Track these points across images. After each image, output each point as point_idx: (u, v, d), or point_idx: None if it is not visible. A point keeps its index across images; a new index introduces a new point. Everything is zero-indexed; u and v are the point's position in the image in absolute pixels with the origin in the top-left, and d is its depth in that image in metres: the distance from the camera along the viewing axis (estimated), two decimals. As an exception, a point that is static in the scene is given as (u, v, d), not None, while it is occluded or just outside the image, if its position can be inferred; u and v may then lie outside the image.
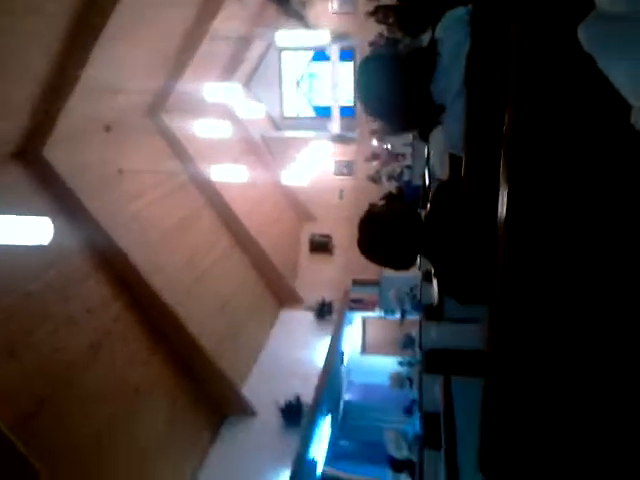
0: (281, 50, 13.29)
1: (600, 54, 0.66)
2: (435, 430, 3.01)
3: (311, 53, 13.38)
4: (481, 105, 1.69)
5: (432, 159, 2.24)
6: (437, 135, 2.00)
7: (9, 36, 4.88)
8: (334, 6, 12.69)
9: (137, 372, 6.82)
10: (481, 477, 1.35)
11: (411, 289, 9.23)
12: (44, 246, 5.19)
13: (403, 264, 1.78)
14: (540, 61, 1.13)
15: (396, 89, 1.74)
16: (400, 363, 10.20)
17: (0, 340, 5.13)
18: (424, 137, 1.86)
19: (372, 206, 1.90)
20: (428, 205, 1.97)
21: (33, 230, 4.80)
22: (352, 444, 10.21)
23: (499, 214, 1.33)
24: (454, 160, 2.03)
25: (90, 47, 5.80)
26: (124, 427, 6.25)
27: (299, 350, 9.97)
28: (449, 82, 1.70)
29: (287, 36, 10.92)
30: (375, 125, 11.02)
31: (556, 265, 1.32)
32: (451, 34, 1.71)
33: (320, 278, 12.04)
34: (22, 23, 4.93)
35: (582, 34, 0.67)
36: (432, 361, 4.20)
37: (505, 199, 1.28)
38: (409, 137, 8.60)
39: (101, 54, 6.02)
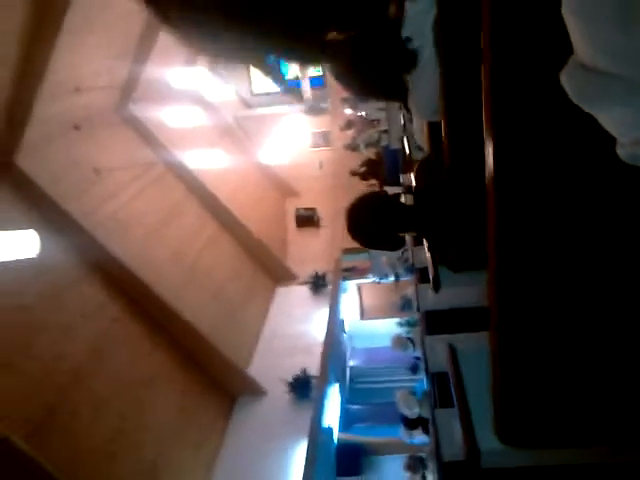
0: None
1: (585, 106, 0.67)
2: (444, 389, 3.08)
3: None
4: (455, 66, 1.69)
5: (416, 133, 2.25)
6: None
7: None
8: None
9: (142, 368, 6.87)
10: (501, 444, 1.41)
11: (402, 253, 9.30)
12: (32, 258, 5.17)
13: (393, 245, 1.82)
14: (515, 13, 1.13)
15: (368, 64, 1.74)
16: (400, 324, 10.33)
17: (1, 356, 5.14)
18: (405, 103, 1.84)
19: (357, 200, 1.91)
20: (412, 178, 1.99)
21: (20, 244, 4.78)
22: (363, 408, 10.40)
23: (487, 168, 1.35)
24: (434, 131, 2.05)
25: (48, 50, 5.67)
26: (137, 424, 6.31)
27: (299, 325, 10.07)
28: (418, 47, 1.70)
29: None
30: (347, 93, 10.93)
31: (549, 210, 1.35)
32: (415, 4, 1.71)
33: (310, 251, 12.08)
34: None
35: (565, 83, 0.67)
36: (432, 323, 4.28)
37: (492, 152, 1.30)
38: (382, 104, 8.55)
39: (60, 54, 5.88)
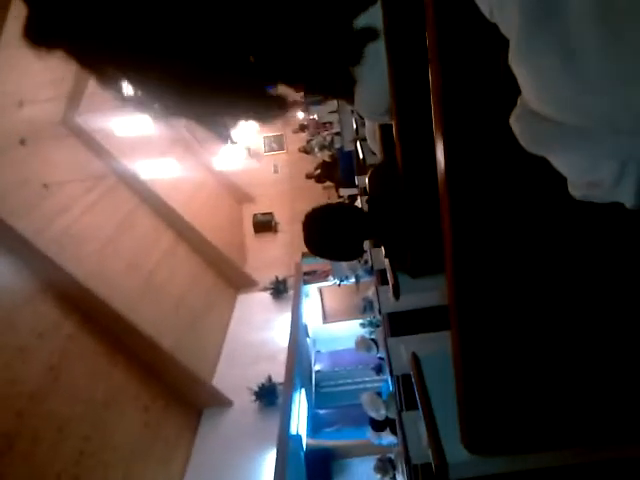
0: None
1: (535, 150, 0.67)
2: (409, 392, 3.09)
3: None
4: (405, 64, 1.68)
5: (368, 137, 2.24)
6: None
7: None
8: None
9: (102, 386, 6.67)
10: (469, 455, 1.41)
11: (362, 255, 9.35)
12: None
13: (353, 255, 1.81)
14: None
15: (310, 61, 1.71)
16: (362, 325, 10.39)
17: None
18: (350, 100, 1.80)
19: (313, 211, 1.88)
20: (367, 185, 1.98)
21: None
22: (330, 412, 10.41)
23: (439, 169, 1.34)
24: (385, 135, 2.04)
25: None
26: (101, 444, 6.14)
27: (262, 332, 9.99)
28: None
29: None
30: (298, 97, 10.91)
31: (502, 209, 1.36)
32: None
33: (269, 257, 12.02)
34: None
35: (514, 127, 0.67)
36: (394, 324, 4.30)
37: (442, 153, 1.29)
38: (334, 105, 8.58)
39: (0, 69, 5.67)
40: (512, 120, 0.66)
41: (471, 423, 1.37)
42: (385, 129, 1.94)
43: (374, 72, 1.65)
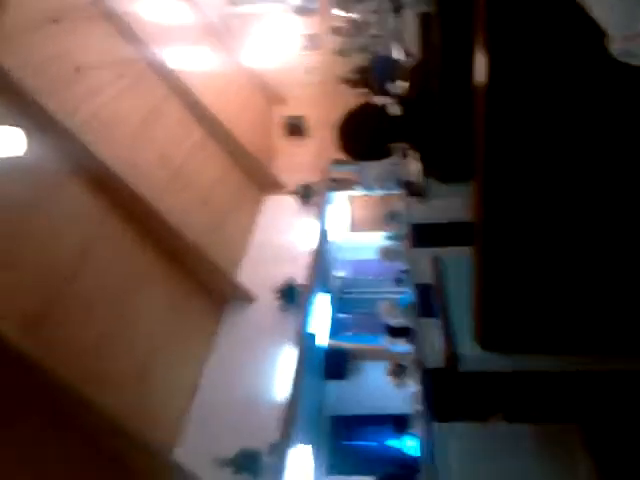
0: None
1: None
2: (427, 300, 3.15)
3: None
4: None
5: (406, 35, 2.11)
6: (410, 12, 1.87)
7: None
8: None
9: (131, 269, 6.93)
10: (481, 350, 1.44)
11: (391, 166, 9.18)
12: (15, 160, 5.03)
13: (382, 155, 1.77)
14: None
15: None
16: (388, 237, 10.42)
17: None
18: None
19: (348, 113, 1.83)
20: (404, 85, 1.89)
21: (4, 141, 4.61)
22: (350, 317, 10.74)
23: (477, 85, 1.27)
24: (425, 30, 1.92)
25: None
26: (127, 326, 6.44)
27: (287, 234, 10.12)
28: None
29: None
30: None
31: (538, 129, 1.30)
32: None
33: (298, 161, 11.88)
34: None
35: None
36: (418, 235, 4.32)
37: (484, 66, 1.22)
38: (374, 3, 8.06)
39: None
40: None
41: (485, 320, 1.39)
42: (425, 25, 1.81)
43: None
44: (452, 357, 1.50)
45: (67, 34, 7.30)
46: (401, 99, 1.83)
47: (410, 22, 2.08)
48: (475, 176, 1.45)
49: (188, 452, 5.99)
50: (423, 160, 1.94)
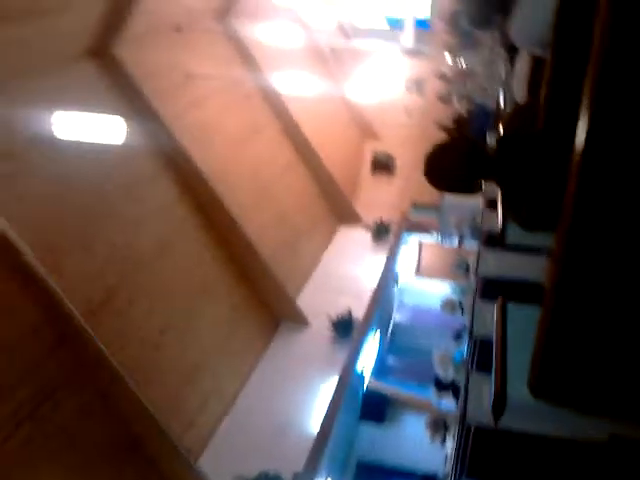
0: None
1: None
2: (484, 353, 3.03)
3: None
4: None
5: (515, 80, 2.09)
6: (523, 56, 1.86)
7: None
8: None
9: (200, 272, 7.14)
10: (532, 398, 1.36)
11: (472, 216, 9.03)
12: (115, 146, 5.36)
13: (468, 189, 1.74)
14: None
15: None
16: (453, 288, 10.19)
17: (74, 234, 5.45)
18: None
19: (439, 142, 1.83)
20: (501, 127, 1.86)
21: (107, 129, 4.94)
22: (399, 362, 10.50)
23: (577, 144, 1.23)
24: (536, 75, 1.90)
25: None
26: (186, 324, 6.61)
27: (354, 267, 10.10)
28: None
29: None
30: (450, 40, 10.37)
31: (632, 204, 1.23)
32: None
33: (380, 198, 11.93)
34: None
35: None
36: (487, 288, 4.18)
37: (586, 128, 1.18)
38: (485, 55, 8.06)
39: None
40: None
41: (543, 368, 1.33)
42: (537, 69, 1.78)
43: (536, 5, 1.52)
44: (501, 397, 1.42)
45: (186, 43, 7.78)
46: (498, 138, 1.80)
47: (520, 67, 2.05)
48: (558, 231, 1.39)
49: (212, 463, 5.97)
50: (508, 202, 1.89)
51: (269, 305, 8.30)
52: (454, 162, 1.72)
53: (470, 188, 1.74)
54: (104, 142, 5.29)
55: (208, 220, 7.45)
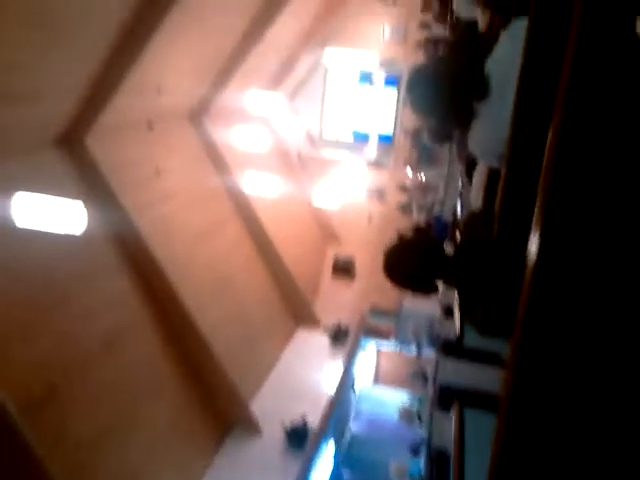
0: (327, 70, 13.44)
1: None
2: (442, 467, 2.90)
3: (356, 76, 13.49)
4: (530, 118, 1.62)
5: (473, 190, 2.18)
6: (480, 167, 1.96)
7: (65, 27, 5.01)
8: (385, 34, 12.81)
9: (149, 370, 6.81)
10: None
11: (429, 324, 9.07)
12: (73, 235, 5.26)
13: (426, 288, 1.74)
14: (594, 82, 1.07)
15: (441, 90, 1.71)
16: (410, 398, 9.98)
17: (18, 324, 5.17)
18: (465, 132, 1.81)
19: (399, 237, 1.87)
20: (458, 233, 1.91)
21: (67, 216, 4.87)
22: (354, 474, 9.97)
23: (529, 255, 1.26)
24: (491, 185, 1.98)
25: (144, 43, 5.95)
26: (129, 425, 6.21)
27: (311, 372, 9.85)
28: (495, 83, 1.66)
29: (336, 53, 11.00)
30: (411, 155, 10.99)
31: (584, 317, 1.24)
32: (509, 41, 1.69)
33: (339, 301, 11.94)
34: (86, 7, 5.06)
35: None
36: (444, 397, 4.09)
37: (537, 241, 1.21)
38: (444, 169, 8.53)
39: (152, 51, 6.17)
40: None
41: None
42: (492, 179, 1.87)
43: (495, 112, 1.62)
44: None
45: (157, 140, 7.99)
46: (454, 243, 1.83)
47: (477, 178, 2.16)
48: (511, 339, 1.39)
49: None
50: (464, 305, 1.89)
51: (220, 409, 7.90)
52: (413, 258, 1.74)
53: (427, 287, 1.74)
54: (62, 230, 5.20)
55: (162, 315, 7.25)
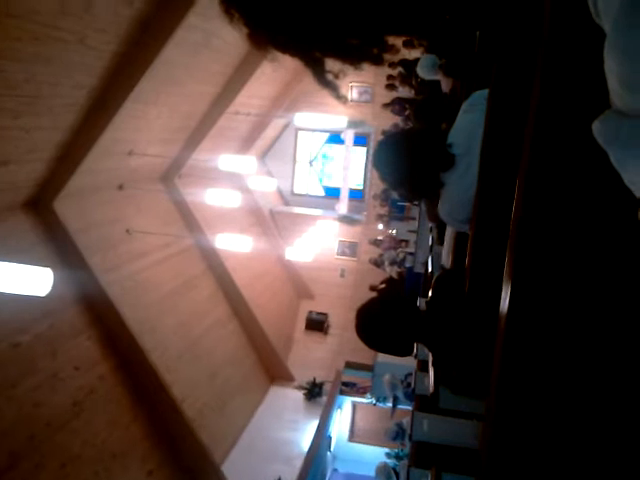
0: (298, 130, 13.78)
1: (613, 151, 0.66)
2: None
3: (326, 135, 13.86)
4: (494, 185, 1.71)
5: (444, 246, 2.26)
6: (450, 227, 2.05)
7: (37, 95, 5.10)
8: (353, 95, 13.28)
9: (116, 436, 6.54)
10: None
11: (405, 377, 9.02)
12: (39, 297, 5.16)
13: (401, 351, 1.77)
14: (553, 148, 1.15)
15: (406, 166, 1.80)
16: (388, 454, 9.78)
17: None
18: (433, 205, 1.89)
19: (371, 298, 1.91)
20: (430, 292, 1.97)
21: (33, 280, 4.79)
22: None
23: (500, 310, 1.31)
24: (460, 247, 2.05)
25: (115, 110, 6.05)
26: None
27: (286, 430, 9.62)
28: (459, 154, 1.75)
29: (305, 118, 11.37)
30: (382, 210, 11.22)
31: (555, 371, 1.29)
32: (470, 110, 1.79)
33: (313, 357, 11.83)
34: (56, 76, 5.16)
35: (596, 130, 0.67)
36: (422, 455, 4.05)
37: (507, 296, 1.27)
38: (414, 224, 8.72)
39: (124, 116, 6.26)
40: (596, 124, 0.66)
41: None
42: (460, 239, 1.95)
43: (462, 181, 1.71)
44: None
45: (128, 201, 8.00)
46: (426, 301, 1.89)
47: (447, 237, 2.25)
48: (486, 402, 1.42)
49: None
50: (438, 364, 1.92)
51: (192, 473, 7.61)
52: (386, 322, 1.77)
53: (401, 351, 1.77)
54: (27, 294, 5.10)
55: (131, 377, 7.04)
